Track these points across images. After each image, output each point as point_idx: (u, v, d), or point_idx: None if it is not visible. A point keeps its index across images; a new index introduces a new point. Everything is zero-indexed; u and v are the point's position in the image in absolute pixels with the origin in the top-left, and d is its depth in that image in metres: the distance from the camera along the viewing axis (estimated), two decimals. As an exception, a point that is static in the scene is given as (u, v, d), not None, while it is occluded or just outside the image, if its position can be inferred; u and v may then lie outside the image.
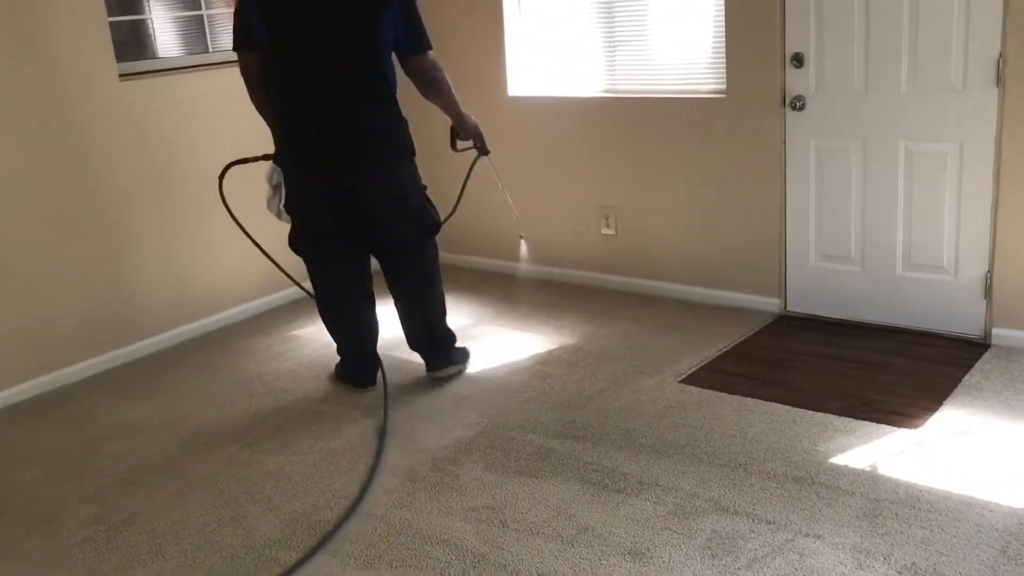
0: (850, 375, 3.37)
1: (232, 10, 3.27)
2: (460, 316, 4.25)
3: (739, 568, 2.31)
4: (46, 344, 3.73)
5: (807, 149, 3.77)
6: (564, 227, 4.58)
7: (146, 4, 4.12)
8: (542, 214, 4.64)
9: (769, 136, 3.84)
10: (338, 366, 3.64)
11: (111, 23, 3.84)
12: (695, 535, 2.46)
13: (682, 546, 2.41)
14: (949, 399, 3.10)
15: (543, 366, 3.63)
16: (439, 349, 3.56)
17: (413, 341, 3.57)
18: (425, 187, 3.43)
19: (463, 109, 3.40)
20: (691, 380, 3.41)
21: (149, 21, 4.16)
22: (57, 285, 3.74)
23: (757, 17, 3.74)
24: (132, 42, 4.08)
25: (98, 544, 2.63)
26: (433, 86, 3.28)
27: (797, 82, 3.72)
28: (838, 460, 2.77)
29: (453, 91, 3.34)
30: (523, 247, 4.28)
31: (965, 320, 3.58)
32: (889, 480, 2.64)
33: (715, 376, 3.43)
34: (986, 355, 3.42)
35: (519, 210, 4.05)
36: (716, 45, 3.95)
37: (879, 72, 3.54)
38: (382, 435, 3.11)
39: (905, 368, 3.39)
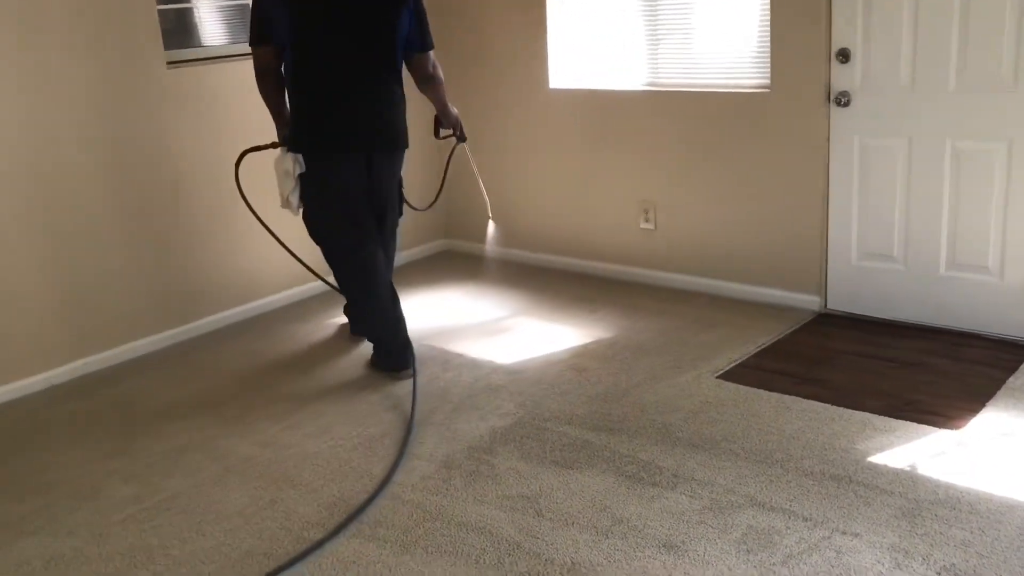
0: (890, 374, 3.33)
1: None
2: (496, 308, 4.27)
3: (774, 564, 2.30)
4: (90, 326, 3.80)
5: (851, 146, 3.73)
6: (603, 221, 4.58)
7: (192, -8, 4.19)
8: (581, 207, 4.64)
9: (813, 132, 3.81)
10: (374, 354, 3.67)
11: (159, 11, 3.89)
12: (730, 530, 2.45)
13: (717, 540, 2.41)
14: (992, 401, 3.06)
15: (579, 359, 3.63)
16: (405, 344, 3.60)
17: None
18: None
19: (448, 102, 3.72)
20: (729, 376, 3.39)
21: (195, 9, 4.22)
22: (102, 268, 3.81)
23: (803, 11, 3.70)
24: (178, 30, 4.14)
25: (139, 522, 2.68)
26: (431, 81, 3.58)
27: (843, 78, 3.68)
28: (877, 459, 2.75)
29: (443, 86, 3.66)
30: (491, 229, 4.36)
31: (1010, 322, 3.52)
32: (929, 480, 2.62)
33: (753, 373, 3.41)
34: (1031, 357, 3.37)
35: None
36: (761, 39, 3.91)
37: (927, 68, 3.49)
38: (409, 425, 3.14)
39: (947, 369, 3.34)
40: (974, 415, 2.97)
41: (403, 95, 3.49)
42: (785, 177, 3.94)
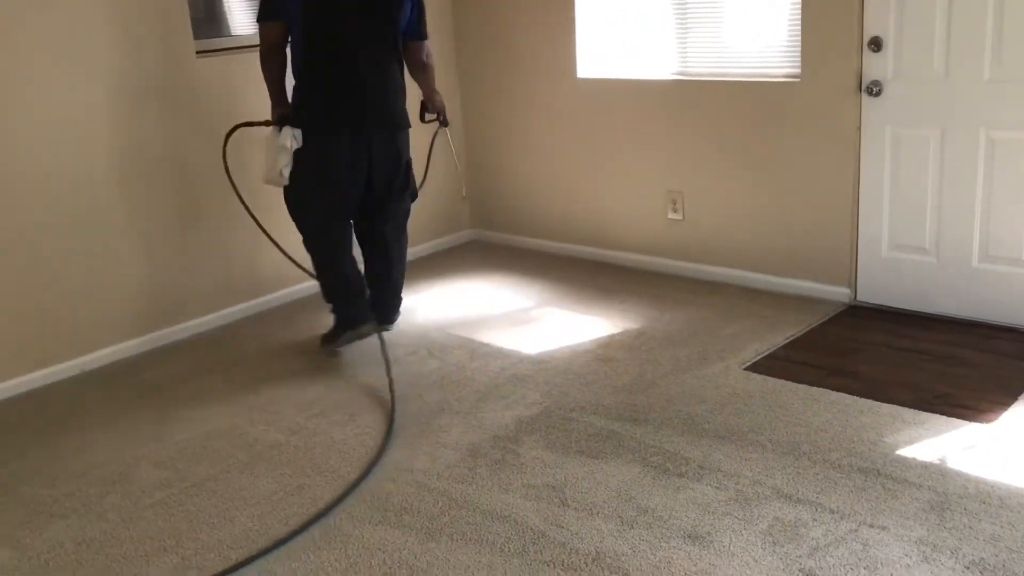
0: (921, 367, 3.29)
1: None
2: (522, 297, 4.27)
3: (801, 555, 2.29)
4: (122, 312, 3.85)
5: (883, 136, 3.69)
6: (630, 211, 4.56)
7: (221, -19, 4.21)
8: (608, 197, 4.62)
9: (844, 122, 3.76)
10: (331, 330, 3.74)
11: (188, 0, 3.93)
12: (757, 521, 2.44)
13: (743, 531, 2.40)
14: (1024, 394, 3.02)
15: (605, 349, 3.62)
16: (396, 305, 3.89)
17: (379, 293, 3.79)
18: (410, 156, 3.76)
19: (436, 88, 3.85)
20: (756, 368, 3.37)
21: (224, -1, 4.25)
22: (135, 255, 3.86)
23: (835, -1, 3.66)
24: (207, 19, 4.16)
25: (169, 506, 2.71)
26: (424, 69, 3.73)
27: (874, 67, 3.63)
28: (906, 452, 2.72)
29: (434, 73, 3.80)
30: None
31: (1044, 315, 3.47)
32: (959, 474, 2.59)
33: (781, 364, 3.39)
34: (1065, 351, 3.32)
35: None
36: (791, 28, 3.87)
37: (961, 57, 3.44)
38: (392, 403, 3.22)
39: (979, 361, 3.30)
40: (1006, 409, 2.94)
41: (403, 80, 3.61)
42: (815, 167, 3.90)
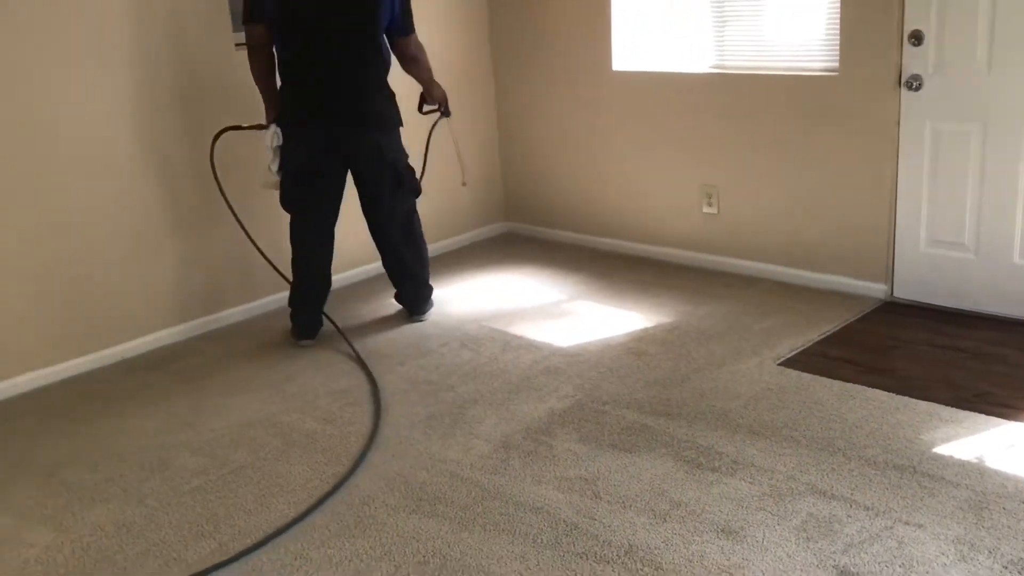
0: (959, 365, 3.26)
1: None
2: (556, 291, 4.27)
3: (835, 552, 2.28)
4: (161, 302, 3.90)
5: (922, 131, 3.64)
6: (665, 205, 4.54)
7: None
8: (643, 191, 4.61)
9: (882, 117, 3.72)
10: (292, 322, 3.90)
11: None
12: (790, 517, 2.43)
13: (777, 527, 2.39)
14: (1065, 394, 2.98)
15: (639, 343, 3.62)
16: (424, 298, 4.02)
17: (401, 288, 3.99)
18: (406, 155, 3.80)
19: (433, 78, 3.88)
20: (791, 363, 3.35)
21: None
22: (174, 246, 3.91)
23: (875, -8, 3.62)
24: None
25: (206, 493, 2.75)
26: (414, 62, 3.77)
27: (914, 61, 3.59)
28: (943, 450, 2.70)
29: (429, 65, 3.82)
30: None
31: (1086, 313, 3.42)
32: (997, 473, 2.56)
33: (816, 360, 3.37)
34: (1107, 350, 3.27)
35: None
36: (830, 21, 3.84)
37: (1004, 51, 3.39)
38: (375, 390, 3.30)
39: (1019, 360, 3.26)
40: (1046, 408, 2.90)
41: (385, 78, 3.64)
42: (852, 162, 3.86)
